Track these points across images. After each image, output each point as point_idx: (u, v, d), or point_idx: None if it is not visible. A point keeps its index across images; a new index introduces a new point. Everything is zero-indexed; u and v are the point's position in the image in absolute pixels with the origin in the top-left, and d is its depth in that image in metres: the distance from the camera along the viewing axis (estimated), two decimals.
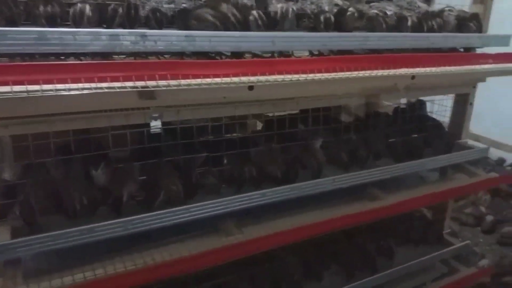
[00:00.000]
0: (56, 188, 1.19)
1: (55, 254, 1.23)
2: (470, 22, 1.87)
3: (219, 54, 1.32)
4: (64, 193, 1.18)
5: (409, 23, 1.69)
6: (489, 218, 3.51)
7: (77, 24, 1.19)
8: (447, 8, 1.90)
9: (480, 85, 2.13)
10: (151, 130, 1.41)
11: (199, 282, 1.58)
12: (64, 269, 1.18)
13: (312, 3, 1.61)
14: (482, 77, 2.01)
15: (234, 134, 1.61)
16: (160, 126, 1.39)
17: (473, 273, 2.16)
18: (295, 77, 1.23)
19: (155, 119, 1.33)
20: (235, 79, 1.17)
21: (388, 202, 1.71)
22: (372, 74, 1.43)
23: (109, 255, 1.25)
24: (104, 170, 1.24)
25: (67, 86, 0.96)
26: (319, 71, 1.29)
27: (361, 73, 1.40)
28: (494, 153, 3.93)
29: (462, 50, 1.90)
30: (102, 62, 1.01)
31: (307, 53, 1.57)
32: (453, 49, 1.86)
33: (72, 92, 0.96)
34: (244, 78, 1.18)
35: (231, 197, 1.41)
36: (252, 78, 1.20)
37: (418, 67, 1.54)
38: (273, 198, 1.49)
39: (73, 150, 1.23)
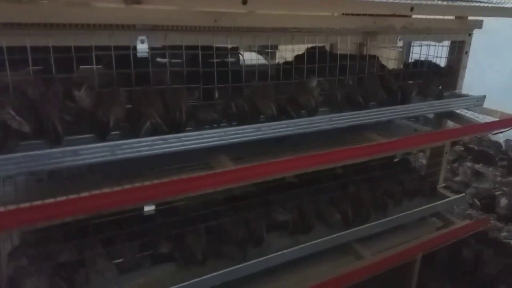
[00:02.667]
0: (36, 109, 1.09)
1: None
2: None
3: None
4: (44, 114, 1.08)
5: None
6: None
7: None
8: None
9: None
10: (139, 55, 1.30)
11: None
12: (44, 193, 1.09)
13: None
14: (477, 21, 1.97)
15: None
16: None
17: (467, 224, 2.13)
18: None
19: (142, 41, 1.25)
20: None
21: (383, 140, 1.66)
22: None
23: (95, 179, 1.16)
24: (87, 92, 1.14)
25: None
26: None
27: None
28: None
29: None
30: None
31: None
32: None
33: None
34: None
35: (226, 129, 1.33)
36: None
37: None
38: (268, 134, 1.42)
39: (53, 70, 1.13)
